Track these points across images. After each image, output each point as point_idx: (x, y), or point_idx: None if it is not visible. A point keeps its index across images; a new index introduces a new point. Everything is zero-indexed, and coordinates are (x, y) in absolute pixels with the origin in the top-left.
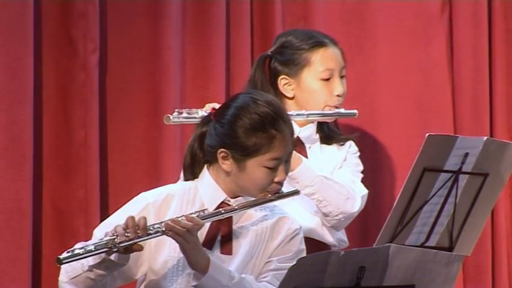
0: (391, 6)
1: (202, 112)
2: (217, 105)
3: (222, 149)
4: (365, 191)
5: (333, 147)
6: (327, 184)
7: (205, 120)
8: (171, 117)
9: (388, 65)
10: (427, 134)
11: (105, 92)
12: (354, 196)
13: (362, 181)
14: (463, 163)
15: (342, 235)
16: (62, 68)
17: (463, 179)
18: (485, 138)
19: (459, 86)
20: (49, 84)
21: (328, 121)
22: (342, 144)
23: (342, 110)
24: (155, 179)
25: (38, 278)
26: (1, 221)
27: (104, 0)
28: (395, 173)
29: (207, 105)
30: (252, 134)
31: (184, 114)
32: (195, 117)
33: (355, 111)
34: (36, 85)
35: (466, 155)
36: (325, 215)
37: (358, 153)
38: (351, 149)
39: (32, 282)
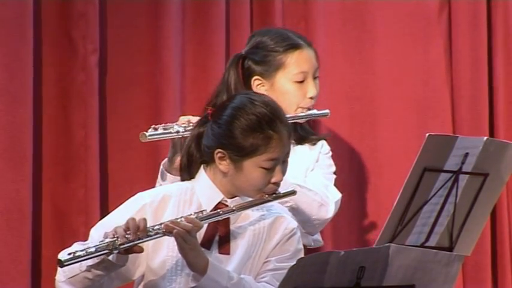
0: (390, 6)
1: (177, 127)
2: (192, 118)
3: (219, 150)
4: (338, 196)
5: (305, 147)
6: (300, 192)
7: (203, 121)
8: (147, 134)
9: (387, 66)
10: (427, 134)
11: (105, 92)
12: (327, 202)
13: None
14: (463, 163)
15: (317, 235)
16: (62, 68)
17: (463, 179)
18: (485, 138)
19: (458, 86)
20: (49, 85)
21: (301, 122)
22: (314, 144)
23: (314, 111)
24: (155, 179)
25: (38, 278)
26: (1, 221)
27: (103, 0)
28: (395, 173)
29: (181, 117)
30: (248, 135)
31: (160, 130)
32: (170, 132)
33: (327, 111)
34: (36, 85)
35: (466, 155)
36: (300, 222)
37: (331, 153)
38: (323, 149)
39: (31, 282)
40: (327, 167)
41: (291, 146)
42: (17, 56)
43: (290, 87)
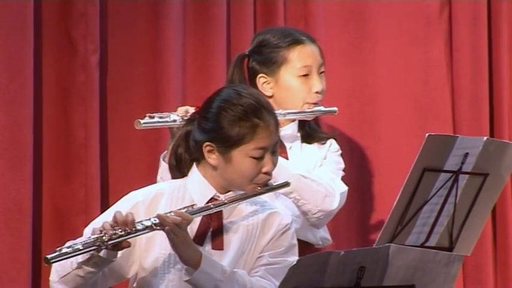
0: (390, 6)
1: (174, 116)
2: (190, 109)
3: (207, 143)
4: (344, 188)
5: (314, 146)
6: (304, 182)
7: (190, 120)
8: (141, 121)
9: (388, 65)
10: (427, 134)
11: (105, 92)
12: (332, 193)
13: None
14: (463, 163)
15: (325, 233)
16: (62, 69)
17: (463, 179)
18: (485, 138)
19: (458, 86)
20: (49, 85)
21: (308, 119)
22: (323, 143)
23: (322, 108)
24: (155, 179)
25: (38, 278)
26: (1, 221)
27: (104, 0)
28: (395, 173)
29: (179, 108)
30: (235, 124)
31: (156, 119)
32: (167, 121)
33: (335, 108)
34: (36, 85)
35: (466, 155)
36: (305, 213)
37: (340, 152)
38: (331, 147)
39: (31, 282)
40: (335, 163)
41: (299, 143)
42: (17, 56)
43: (295, 82)
